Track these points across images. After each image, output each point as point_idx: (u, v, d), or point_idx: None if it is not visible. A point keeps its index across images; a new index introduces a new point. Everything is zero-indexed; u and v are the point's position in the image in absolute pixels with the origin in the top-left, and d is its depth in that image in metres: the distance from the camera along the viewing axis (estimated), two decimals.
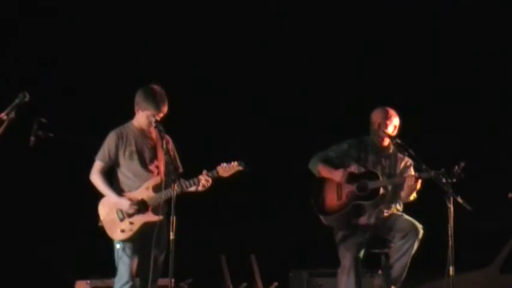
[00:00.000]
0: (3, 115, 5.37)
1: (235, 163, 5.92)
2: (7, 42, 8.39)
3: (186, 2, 8.93)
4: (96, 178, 6.00)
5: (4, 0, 8.36)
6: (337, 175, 6.64)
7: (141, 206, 5.93)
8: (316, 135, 8.21)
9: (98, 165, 6.02)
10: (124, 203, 5.92)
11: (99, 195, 6.03)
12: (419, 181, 6.43)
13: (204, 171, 5.95)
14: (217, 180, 6.03)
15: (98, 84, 8.56)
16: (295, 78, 9.24)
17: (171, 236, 5.65)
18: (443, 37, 9.14)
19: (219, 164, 5.93)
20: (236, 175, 5.97)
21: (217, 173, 5.92)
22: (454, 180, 6.12)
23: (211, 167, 5.98)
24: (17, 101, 5.42)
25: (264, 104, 9.15)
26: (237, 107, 9.06)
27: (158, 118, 5.96)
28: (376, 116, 6.73)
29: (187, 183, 5.93)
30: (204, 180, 5.93)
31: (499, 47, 9.02)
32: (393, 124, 6.67)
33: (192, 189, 6.00)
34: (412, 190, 6.48)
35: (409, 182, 6.45)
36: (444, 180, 6.11)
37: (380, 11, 9.13)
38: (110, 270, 6.06)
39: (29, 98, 5.44)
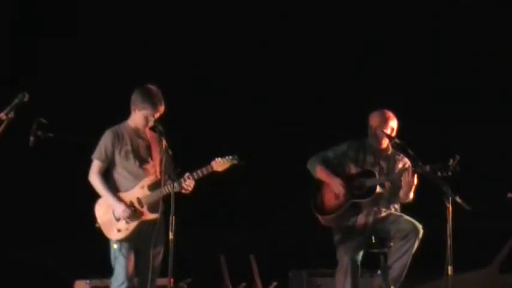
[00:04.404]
0: (2, 115, 5.38)
1: (229, 157, 5.90)
2: (7, 42, 8.41)
3: (186, 2, 8.93)
4: (94, 179, 6.02)
5: (6, 1, 8.40)
6: (336, 185, 6.64)
7: (135, 211, 5.94)
8: (316, 135, 8.22)
9: (96, 165, 6.04)
10: (118, 209, 5.93)
11: (98, 195, 6.05)
12: (416, 176, 6.44)
13: (187, 173, 5.92)
14: (217, 180, 6.03)
15: (98, 84, 8.57)
16: (295, 78, 9.24)
17: (170, 236, 5.67)
18: (443, 37, 9.13)
19: (213, 159, 5.92)
20: (234, 170, 5.95)
21: (212, 167, 5.90)
22: (450, 173, 6.14)
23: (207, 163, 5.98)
24: (16, 101, 5.43)
25: (264, 104, 9.15)
26: (237, 107, 9.06)
27: (155, 118, 5.97)
28: (373, 118, 6.75)
29: (181, 180, 5.94)
30: (188, 182, 5.89)
31: (499, 47, 9.01)
32: (391, 126, 6.68)
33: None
34: (410, 186, 6.49)
35: (406, 178, 6.47)
36: (440, 174, 6.12)
37: (380, 11, 9.12)
38: (109, 270, 6.07)
39: (28, 98, 5.45)
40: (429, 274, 7.19)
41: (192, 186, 5.92)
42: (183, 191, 5.92)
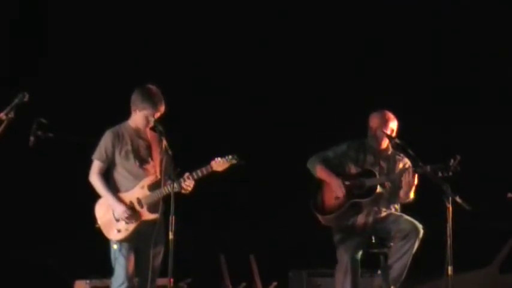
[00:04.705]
0: (2, 115, 5.38)
1: (229, 157, 5.90)
2: (7, 42, 8.42)
3: (186, 2, 8.93)
4: (95, 179, 6.03)
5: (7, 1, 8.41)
6: (336, 186, 6.63)
7: (135, 212, 5.94)
8: (316, 135, 8.23)
9: (96, 165, 6.05)
10: (118, 209, 5.93)
11: (98, 196, 6.05)
12: (416, 176, 6.44)
13: (187, 173, 5.93)
14: (217, 179, 6.03)
15: (98, 84, 8.57)
16: (295, 78, 9.24)
17: (170, 236, 5.68)
18: (443, 37, 9.13)
19: (213, 159, 5.93)
20: (233, 170, 5.95)
21: (211, 167, 5.90)
22: (451, 173, 6.14)
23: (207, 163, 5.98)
24: (16, 101, 5.43)
25: (264, 104, 9.15)
26: (237, 106, 9.06)
27: (155, 118, 5.98)
28: (373, 119, 6.74)
29: (181, 180, 5.93)
30: (188, 182, 5.90)
31: (499, 47, 9.01)
32: (391, 127, 6.67)
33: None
34: (410, 186, 6.48)
35: (406, 179, 6.46)
36: (440, 174, 6.12)
37: (380, 11, 9.12)
38: (109, 270, 6.07)
39: (28, 98, 5.45)
40: (429, 274, 7.19)
41: (191, 186, 5.93)
42: (183, 191, 5.92)
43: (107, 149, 6.02)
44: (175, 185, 5.81)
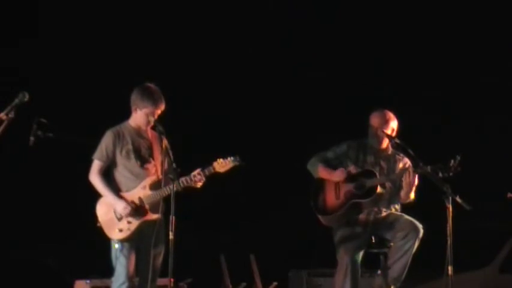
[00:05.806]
0: (2, 115, 5.37)
1: (231, 158, 5.92)
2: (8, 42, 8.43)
3: (186, 2, 8.94)
4: (95, 178, 6.02)
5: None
6: (337, 175, 6.65)
7: (137, 210, 5.94)
8: (316, 135, 8.23)
9: (96, 164, 6.04)
10: (119, 206, 5.92)
11: (98, 195, 6.05)
12: (417, 176, 6.44)
13: (199, 169, 5.95)
14: (217, 179, 6.03)
15: (98, 84, 8.57)
16: (295, 78, 9.25)
17: (171, 236, 5.67)
18: (443, 37, 9.14)
19: (215, 160, 5.93)
20: (233, 171, 5.96)
21: (214, 168, 5.92)
22: (451, 174, 6.13)
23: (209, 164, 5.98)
24: (16, 101, 5.42)
25: (264, 103, 9.16)
26: (237, 106, 9.06)
27: (156, 116, 5.99)
28: (374, 119, 6.73)
29: (183, 180, 5.93)
30: (199, 178, 5.92)
31: (499, 47, 9.02)
32: (391, 127, 6.66)
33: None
34: (410, 187, 6.49)
35: (406, 179, 6.47)
36: (441, 175, 6.12)
37: (380, 10, 9.13)
38: (109, 270, 6.07)
39: (29, 97, 5.45)
40: (429, 274, 7.20)
41: (203, 180, 5.93)
42: (193, 185, 5.92)
43: (107, 148, 6.02)
44: (176, 184, 5.81)
